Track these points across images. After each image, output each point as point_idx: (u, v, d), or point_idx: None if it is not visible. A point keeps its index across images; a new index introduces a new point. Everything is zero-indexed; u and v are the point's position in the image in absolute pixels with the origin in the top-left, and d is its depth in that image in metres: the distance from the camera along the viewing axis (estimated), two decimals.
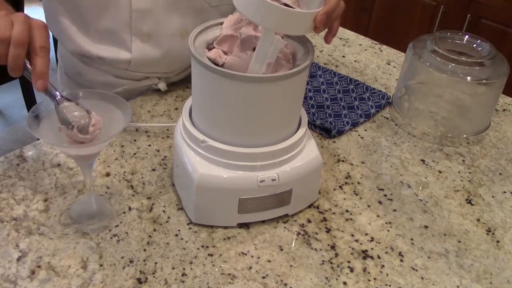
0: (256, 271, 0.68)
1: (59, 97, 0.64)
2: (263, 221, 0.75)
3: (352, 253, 0.71)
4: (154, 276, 0.66)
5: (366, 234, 0.75)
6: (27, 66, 0.63)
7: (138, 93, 0.99)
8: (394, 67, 1.18)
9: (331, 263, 0.70)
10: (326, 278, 0.68)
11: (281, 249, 0.71)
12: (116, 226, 0.72)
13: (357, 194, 0.82)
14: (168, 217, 0.74)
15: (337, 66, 1.17)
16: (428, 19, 2.20)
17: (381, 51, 1.25)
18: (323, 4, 0.65)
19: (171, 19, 0.90)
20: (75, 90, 0.70)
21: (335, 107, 1.00)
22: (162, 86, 0.98)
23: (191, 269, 0.67)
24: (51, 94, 0.64)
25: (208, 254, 0.69)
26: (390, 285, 0.67)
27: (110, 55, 0.91)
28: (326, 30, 0.70)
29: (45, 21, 0.96)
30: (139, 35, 0.89)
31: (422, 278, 0.69)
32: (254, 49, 0.68)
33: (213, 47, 0.70)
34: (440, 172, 0.88)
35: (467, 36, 0.98)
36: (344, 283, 0.67)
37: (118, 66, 0.93)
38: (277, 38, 0.64)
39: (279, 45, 0.64)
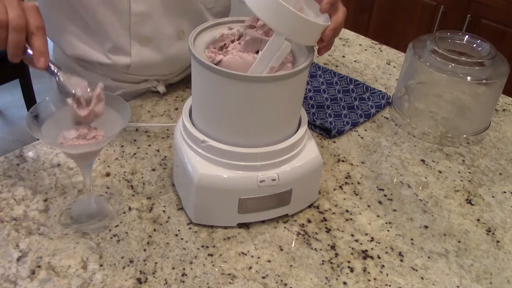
0: (256, 271, 0.68)
1: (59, 71, 0.65)
2: (263, 221, 0.75)
3: (352, 253, 0.71)
4: (154, 276, 0.66)
5: (366, 234, 0.75)
6: (25, 49, 0.64)
7: (137, 95, 0.99)
8: (394, 67, 1.18)
9: (331, 263, 0.70)
10: (326, 278, 0.68)
11: (281, 249, 0.71)
12: (116, 226, 0.72)
13: (357, 194, 0.82)
14: (168, 217, 0.74)
15: (337, 66, 1.17)
16: (428, 19, 2.20)
17: (381, 51, 1.25)
18: (330, 20, 0.67)
19: (168, 22, 0.90)
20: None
21: (335, 107, 1.00)
22: (161, 88, 0.98)
23: (191, 269, 0.67)
24: (51, 71, 0.65)
25: (208, 254, 0.69)
26: (390, 285, 0.67)
27: (109, 60, 0.91)
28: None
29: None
30: (138, 39, 0.89)
31: (422, 278, 0.69)
32: (257, 52, 0.68)
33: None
34: (440, 172, 0.88)
35: (467, 36, 0.98)
36: (344, 283, 0.67)
37: (117, 70, 0.94)
38: (286, 44, 0.64)
39: (286, 51, 0.64)
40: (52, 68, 0.65)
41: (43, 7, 0.95)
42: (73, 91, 0.64)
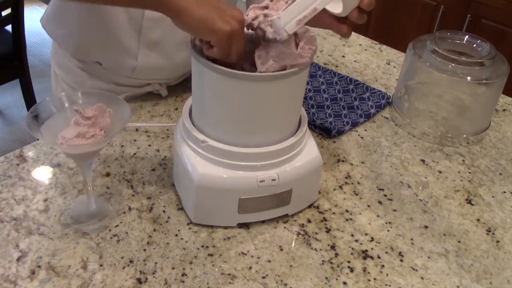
0: (256, 271, 0.68)
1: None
2: (263, 221, 0.75)
3: (352, 253, 0.71)
4: (154, 276, 0.66)
5: (366, 234, 0.75)
6: None
7: (138, 98, 0.99)
8: (394, 67, 1.18)
9: (331, 263, 0.70)
10: (326, 278, 0.68)
11: (281, 249, 0.71)
12: (116, 226, 0.72)
13: (357, 194, 0.82)
14: (168, 217, 0.74)
15: (337, 66, 1.17)
16: (428, 19, 2.20)
17: (381, 51, 1.25)
18: None
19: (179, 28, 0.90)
20: (74, 90, 0.70)
21: (335, 107, 1.00)
22: (163, 92, 0.99)
23: (191, 269, 0.67)
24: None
25: (208, 254, 0.69)
26: (390, 285, 0.67)
27: (115, 63, 0.91)
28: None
29: (44, 23, 0.96)
30: (146, 43, 0.89)
31: (422, 278, 0.69)
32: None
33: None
34: (440, 172, 0.88)
35: (467, 36, 0.98)
36: (344, 283, 0.67)
37: (122, 73, 0.93)
38: None
39: None
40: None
41: (55, 7, 0.94)
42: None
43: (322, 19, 0.69)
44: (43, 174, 0.80)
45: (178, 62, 0.94)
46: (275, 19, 0.64)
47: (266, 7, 0.68)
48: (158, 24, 0.87)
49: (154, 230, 0.72)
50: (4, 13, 2.03)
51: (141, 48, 0.89)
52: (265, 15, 0.65)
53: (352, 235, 0.74)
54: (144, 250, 0.69)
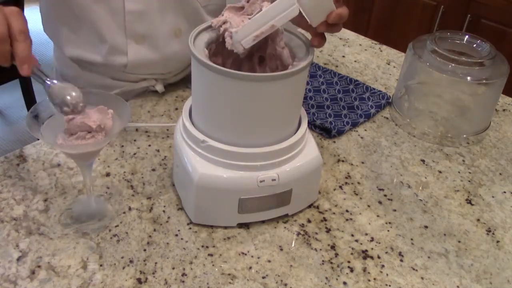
0: (256, 271, 0.68)
1: (48, 79, 0.64)
2: (263, 221, 0.75)
3: (352, 253, 0.71)
4: (154, 276, 0.66)
5: (366, 234, 0.75)
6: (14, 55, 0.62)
7: (135, 95, 0.99)
8: (394, 67, 1.18)
9: (331, 263, 0.70)
10: (326, 278, 0.68)
11: (281, 249, 0.71)
12: (116, 226, 0.72)
13: (357, 194, 0.82)
14: (168, 217, 0.74)
15: (337, 66, 1.17)
16: (428, 19, 2.20)
17: (381, 51, 1.25)
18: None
19: (164, 19, 0.90)
20: None
21: (335, 107, 1.00)
22: (159, 88, 0.99)
23: (191, 269, 0.67)
24: (38, 78, 0.64)
25: (208, 254, 0.69)
26: (390, 285, 0.67)
27: (106, 60, 0.91)
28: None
29: (42, 25, 0.97)
30: (133, 38, 0.89)
31: (422, 278, 0.69)
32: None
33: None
34: (440, 172, 0.88)
35: (467, 36, 0.98)
36: (344, 283, 0.67)
37: (115, 69, 0.94)
38: (295, 7, 0.62)
39: (292, 14, 0.63)
40: (38, 75, 0.64)
41: (44, 8, 0.95)
42: (65, 100, 0.63)
43: (301, 22, 0.69)
44: (43, 174, 0.80)
45: (169, 55, 0.94)
46: (233, 33, 0.64)
47: (242, 8, 0.68)
48: (142, 17, 0.87)
49: (154, 230, 0.72)
50: None
51: (129, 43, 0.89)
52: (231, 24, 0.65)
53: (352, 235, 0.74)
54: (144, 250, 0.69)
